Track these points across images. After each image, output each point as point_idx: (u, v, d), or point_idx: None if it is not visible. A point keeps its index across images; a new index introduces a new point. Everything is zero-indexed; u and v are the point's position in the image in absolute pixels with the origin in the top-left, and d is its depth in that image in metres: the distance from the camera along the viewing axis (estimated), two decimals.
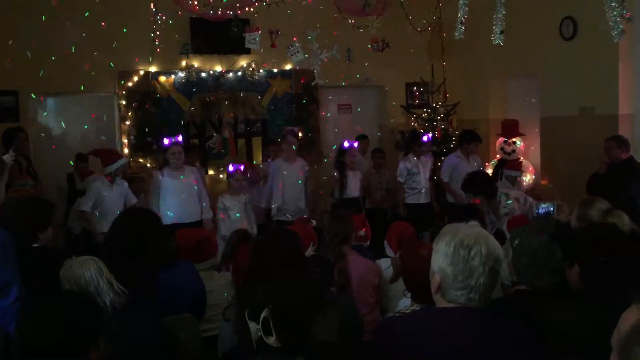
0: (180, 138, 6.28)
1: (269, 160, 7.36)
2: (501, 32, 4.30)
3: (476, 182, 5.37)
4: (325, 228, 4.18)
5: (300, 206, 6.67)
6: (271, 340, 1.70)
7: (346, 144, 6.94)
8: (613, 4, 3.82)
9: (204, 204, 6.25)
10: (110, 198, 5.78)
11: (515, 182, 6.83)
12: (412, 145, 7.31)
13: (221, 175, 8.22)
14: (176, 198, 6.08)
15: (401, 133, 8.81)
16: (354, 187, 6.93)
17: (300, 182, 6.71)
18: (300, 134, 7.22)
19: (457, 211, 4.76)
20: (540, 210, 3.20)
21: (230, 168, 6.34)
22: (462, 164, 7.11)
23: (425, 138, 7.32)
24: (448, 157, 7.47)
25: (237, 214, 6.13)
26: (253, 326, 1.73)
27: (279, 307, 1.74)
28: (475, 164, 7.22)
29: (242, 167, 6.34)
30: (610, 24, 3.87)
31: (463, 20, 4.26)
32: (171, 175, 6.11)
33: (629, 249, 2.33)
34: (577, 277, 2.37)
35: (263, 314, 1.70)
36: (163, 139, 6.27)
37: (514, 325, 1.92)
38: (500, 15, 4.44)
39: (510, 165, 7.16)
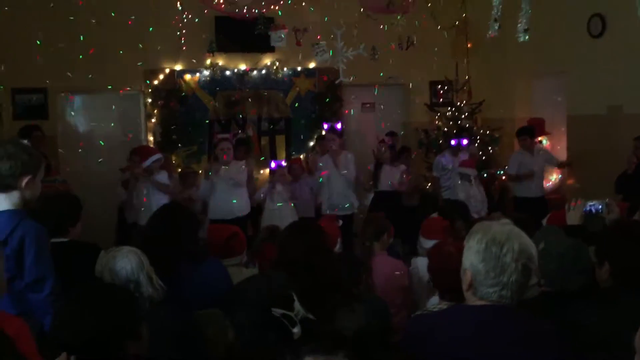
0: (229, 135, 6.46)
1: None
2: (526, 30, 4.26)
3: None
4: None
5: (345, 201, 6.82)
6: (296, 331, 1.71)
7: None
8: None
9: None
10: (146, 191, 6.04)
11: (470, 180, 6.83)
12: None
13: None
14: (223, 194, 6.23)
15: (425, 132, 8.78)
16: (389, 181, 7.02)
17: (343, 175, 6.84)
18: (340, 128, 7.36)
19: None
20: (588, 208, 3.10)
21: (272, 164, 6.63)
22: (526, 159, 7.17)
23: (453, 142, 7.49)
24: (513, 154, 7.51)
25: (280, 204, 6.37)
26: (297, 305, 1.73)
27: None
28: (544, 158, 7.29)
29: (283, 163, 6.54)
30: None
31: (497, 18, 4.23)
32: (219, 171, 6.23)
33: None
34: (607, 276, 2.34)
35: (300, 312, 1.71)
36: (215, 135, 6.46)
37: (544, 324, 1.91)
38: (525, 13, 4.40)
39: (463, 163, 7.11)
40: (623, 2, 4.39)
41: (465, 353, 1.79)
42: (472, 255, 1.85)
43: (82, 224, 3.63)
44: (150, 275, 2.50)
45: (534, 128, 7.40)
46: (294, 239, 2.92)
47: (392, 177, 7.03)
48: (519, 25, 4.09)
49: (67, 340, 1.91)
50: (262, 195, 6.48)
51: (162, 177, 6.23)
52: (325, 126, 7.37)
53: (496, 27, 4.82)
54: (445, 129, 8.51)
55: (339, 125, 7.32)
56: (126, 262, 2.48)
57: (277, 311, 1.90)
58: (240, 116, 8.38)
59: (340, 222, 4.65)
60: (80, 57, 7.07)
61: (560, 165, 7.49)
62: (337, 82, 6.52)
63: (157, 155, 6.30)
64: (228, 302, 2.74)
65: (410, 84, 9.06)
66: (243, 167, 6.56)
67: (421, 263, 3.89)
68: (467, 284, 1.87)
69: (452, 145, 7.44)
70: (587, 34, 7.08)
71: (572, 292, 2.44)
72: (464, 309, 1.93)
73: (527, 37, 4.12)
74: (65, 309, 2.01)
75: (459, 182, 6.93)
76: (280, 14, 7.00)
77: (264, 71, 8.43)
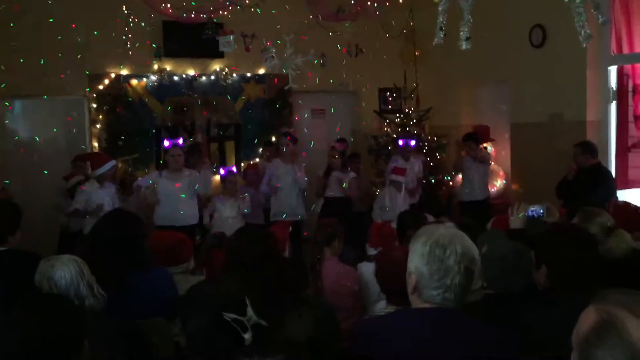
0: (180, 141, 6.39)
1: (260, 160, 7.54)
2: (467, 39, 4.36)
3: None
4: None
5: (295, 208, 6.86)
6: (248, 335, 1.70)
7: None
8: (579, 9, 3.91)
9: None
10: (99, 199, 5.83)
11: (400, 188, 6.95)
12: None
13: None
14: (171, 201, 6.10)
15: (374, 138, 8.87)
16: (335, 187, 7.12)
17: (294, 182, 6.86)
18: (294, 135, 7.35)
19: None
20: (530, 213, 3.17)
21: (222, 171, 6.42)
22: (472, 164, 7.33)
23: (400, 142, 7.64)
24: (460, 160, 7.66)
25: (229, 217, 6.21)
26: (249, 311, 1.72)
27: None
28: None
29: (234, 169, 6.40)
30: (577, 29, 3.95)
31: (442, 27, 4.30)
32: (168, 178, 6.12)
33: (594, 249, 2.36)
34: (544, 279, 2.39)
35: (252, 318, 1.70)
36: (164, 140, 6.34)
37: (488, 326, 1.95)
38: (466, 22, 4.50)
39: (394, 170, 7.25)
40: (562, 14, 4.54)
41: (410, 355, 1.80)
42: (417, 259, 1.87)
43: (22, 232, 3.52)
44: (91, 284, 2.43)
45: (478, 134, 7.58)
46: (243, 243, 2.90)
47: (339, 182, 7.11)
48: (461, 33, 4.17)
49: (7, 349, 1.83)
50: (208, 218, 6.29)
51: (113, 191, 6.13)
52: (281, 131, 7.37)
53: (441, 36, 4.89)
54: (394, 136, 8.62)
55: (292, 131, 7.34)
56: (65, 270, 2.40)
57: (229, 316, 1.88)
58: (190, 123, 8.28)
59: (290, 228, 4.64)
60: (21, 60, 6.85)
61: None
62: (286, 88, 6.52)
63: (112, 162, 6.18)
64: (179, 308, 2.69)
65: (361, 90, 9.15)
66: (195, 173, 6.43)
67: (366, 268, 3.94)
68: (412, 287, 1.90)
69: (400, 145, 7.57)
70: (529, 44, 7.30)
71: (514, 293, 2.50)
72: (408, 312, 1.95)
73: (468, 46, 4.21)
74: (6, 318, 1.92)
75: (388, 188, 7.01)
76: (229, 17, 6.95)
77: (213, 77, 8.36)
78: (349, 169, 7.47)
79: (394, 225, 4.40)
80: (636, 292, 1.44)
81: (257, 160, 8.47)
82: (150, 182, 6.18)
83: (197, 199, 6.39)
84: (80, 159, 6.72)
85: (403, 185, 6.95)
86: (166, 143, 6.29)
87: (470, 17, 4.11)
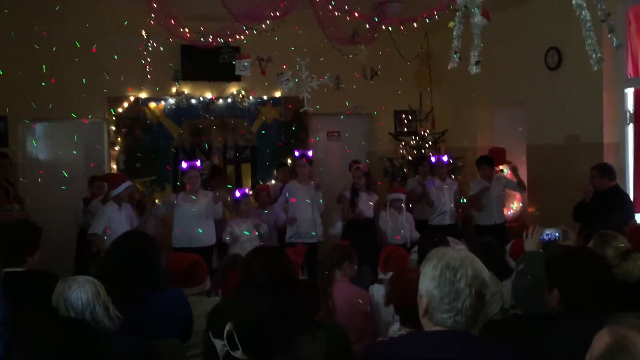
0: (198, 163, 6.47)
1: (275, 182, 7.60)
2: (477, 63, 4.40)
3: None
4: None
5: (311, 230, 6.79)
6: (238, 354, 1.70)
7: (296, 153, 7.19)
8: (590, 32, 3.92)
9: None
10: (118, 221, 5.88)
11: (400, 207, 6.89)
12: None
13: None
14: (189, 222, 6.14)
15: (390, 160, 8.89)
16: (366, 208, 7.00)
17: (312, 204, 6.82)
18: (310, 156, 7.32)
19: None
20: (545, 237, 3.15)
21: (237, 194, 6.46)
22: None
23: (433, 159, 7.68)
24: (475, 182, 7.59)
25: (247, 232, 6.28)
26: (218, 343, 1.74)
27: (243, 320, 1.74)
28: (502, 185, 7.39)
29: (248, 191, 6.43)
30: (589, 52, 3.96)
31: (457, 50, 4.35)
32: (185, 200, 6.17)
33: (607, 273, 2.34)
34: (556, 302, 2.36)
35: (227, 328, 1.71)
36: (181, 162, 6.45)
37: (500, 348, 1.94)
38: (477, 46, 4.54)
39: (393, 189, 7.22)
40: (577, 36, 4.55)
41: None
42: (428, 281, 1.87)
43: (41, 253, 3.57)
44: (107, 305, 2.45)
45: (493, 158, 7.57)
46: (258, 262, 2.90)
47: (368, 204, 7.03)
48: (471, 57, 4.21)
49: None
50: (227, 238, 6.31)
51: (135, 220, 6.21)
52: (297, 153, 7.35)
53: (457, 59, 4.94)
54: (410, 158, 8.62)
55: (310, 153, 7.32)
56: (82, 292, 2.43)
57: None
58: (206, 145, 8.37)
59: (306, 249, 4.66)
60: (43, 84, 7.00)
61: (520, 184, 7.44)
62: (301, 111, 6.57)
63: (128, 183, 6.22)
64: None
65: (375, 113, 9.18)
66: (211, 195, 6.46)
67: (377, 291, 3.94)
68: (423, 310, 1.90)
69: (433, 163, 7.57)
70: (545, 66, 7.30)
71: (540, 317, 2.46)
72: (419, 335, 1.95)
73: (478, 70, 4.25)
74: (23, 342, 1.93)
75: (388, 210, 6.94)
76: (245, 42, 7.05)
77: (229, 100, 8.46)
78: (373, 190, 7.40)
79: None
80: None
81: (273, 182, 8.52)
82: (175, 201, 6.22)
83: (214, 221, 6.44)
84: (99, 179, 6.83)
85: (402, 203, 6.92)
86: (184, 165, 6.34)
87: (480, 42, 4.14)
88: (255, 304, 1.87)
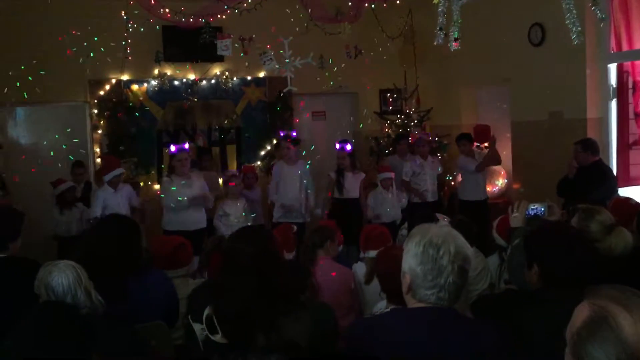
0: (187, 145, 6.43)
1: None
2: (456, 39, 4.39)
3: None
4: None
5: (299, 210, 6.78)
6: (217, 337, 1.70)
7: (337, 146, 7.10)
8: (570, 6, 3.92)
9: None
10: (115, 203, 6.01)
11: (389, 186, 6.92)
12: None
13: None
14: (181, 205, 6.11)
15: (375, 139, 8.88)
16: (352, 188, 7.00)
17: (298, 184, 6.80)
18: (295, 136, 7.29)
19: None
20: (530, 212, 3.15)
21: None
22: (469, 162, 7.32)
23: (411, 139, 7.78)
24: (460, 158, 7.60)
25: (237, 220, 6.26)
26: (197, 327, 1.73)
27: (221, 303, 1.73)
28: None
29: (237, 172, 6.42)
30: (569, 26, 3.97)
31: (442, 27, 4.33)
32: (176, 183, 6.12)
33: (587, 247, 2.34)
34: (536, 278, 2.36)
35: (205, 312, 1.70)
36: (169, 145, 6.44)
37: (483, 324, 1.94)
38: (456, 22, 4.53)
39: (381, 169, 7.23)
40: (561, 11, 4.55)
41: (404, 356, 1.80)
42: (411, 258, 1.87)
43: (23, 239, 3.53)
44: (89, 290, 2.43)
45: (472, 134, 7.62)
46: (241, 243, 2.87)
47: (354, 183, 7.03)
48: (450, 34, 4.20)
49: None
50: (219, 224, 6.33)
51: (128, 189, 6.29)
52: (281, 134, 7.31)
53: (442, 36, 4.93)
54: (393, 137, 8.62)
55: (294, 134, 7.27)
56: (63, 277, 2.41)
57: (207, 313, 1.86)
58: (190, 125, 8.31)
59: (295, 228, 4.65)
60: (22, 67, 6.88)
61: (492, 157, 7.42)
62: (285, 91, 6.52)
63: (119, 170, 6.22)
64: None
65: (360, 92, 9.15)
66: (201, 176, 6.46)
67: (359, 268, 3.97)
68: (407, 287, 1.90)
69: (413, 141, 7.63)
70: (529, 42, 7.29)
71: (531, 292, 2.44)
72: (402, 312, 1.95)
73: (458, 47, 4.25)
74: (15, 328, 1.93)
75: (380, 189, 6.96)
76: (226, 21, 6.96)
77: (213, 81, 8.38)
78: (358, 168, 7.38)
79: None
80: (630, 288, 1.44)
81: (259, 163, 8.49)
82: (174, 188, 6.16)
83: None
84: (79, 165, 6.84)
85: (393, 182, 6.95)
86: (172, 148, 6.27)
87: (459, 18, 4.14)
88: (236, 285, 1.85)
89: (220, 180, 7.31)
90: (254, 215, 6.55)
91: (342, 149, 7.08)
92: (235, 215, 6.32)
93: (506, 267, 2.67)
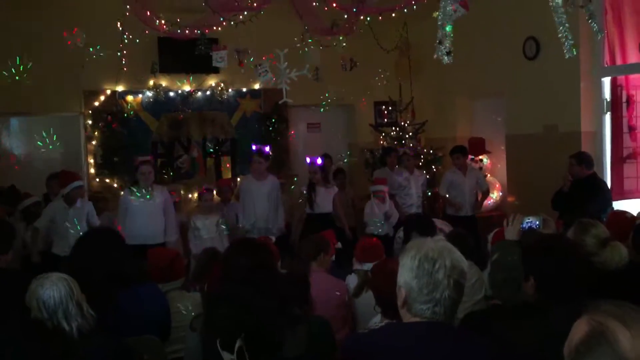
0: (150, 158, 6.29)
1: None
2: (448, 53, 4.42)
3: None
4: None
5: (266, 225, 6.54)
6: None
7: (307, 160, 7.06)
8: (562, 19, 3.95)
9: (169, 225, 6.14)
10: (63, 219, 5.65)
11: (383, 199, 6.85)
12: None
13: (190, 195, 8.18)
14: (142, 219, 5.99)
15: (370, 152, 8.88)
16: (324, 203, 6.93)
17: (268, 200, 6.59)
18: (268, 151, 7.15)
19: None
20: (525, 225, 3.15)
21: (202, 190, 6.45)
22: (457, 178, 7.22)
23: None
24: (445, 174, 7.56)
25: (208, 234, 6.17)
26: (227, 356, 1.71)
27: (251, 334, 1.72)
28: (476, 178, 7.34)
29: (211, 186, 6.36)
30: (562, 40, 3.99)
31: (441, 40, 4.35)
32: (140, 196, 6.03)
33: (582, 261, 2.34)
34: (533, 290, 2.36)
35: (238, 344, 1.68)
36: (134, 159, 6.27)
37: (477, 340, 1.93)
38: (448, 37, 4.56)
39: (376, 181, 7.22)
40: (555, 25, 4.57)
41: None
42: (406, 273, 1.86)
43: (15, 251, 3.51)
44: (81, 303, 2.40)
45: (467, 147, 7.59)
46: (239, 255, 2.85)
47: (327, 198, 6.98)
48: (442, 48, 4.21)
49: None
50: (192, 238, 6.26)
51: (88, 206, 5.99)
52: (254, 147, 7.03)
53: (442, 49, 4.95)
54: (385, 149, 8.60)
55: (267, 148, 7.06)
56: (55, 290, 2.37)
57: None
58: (185, 136, 8.29)
59: (273, 238, 4.63)
60: (17, 78, 6.85)
61: (484, 194, 7.48)
62: (280, 102, 6.50)
63: (78, 183, 5.95)
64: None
65: (357, 104, 9.15)
66: (165, 190, 6.32)
67: (352, 281, 3.94)
68: (402, 301, 1.88)
69: (399, 155, 7.58)
70: (523, 56, 7.33)
71: (518, 307, 2.45)
72: (397, 327, 1.93)
73: (450, 60, 4.26)
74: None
75: (374, 202, 6.89)
76: (222, 33, 6.97)
77: (208, 92, 8.38)
78: (332, 183, 7.29)
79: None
80: (628, 304, 1.43)
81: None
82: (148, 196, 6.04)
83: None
84: (52, 177, 6.54)
85: (387, 195, 6.90)
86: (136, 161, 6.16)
87: (451, 31, 4.17)
88: (260, 308, 1.83)
89: (195, 195, 7.23)
90: (227, 233, 6.33)
91: (313, 163, 7.02)
92: (205, 229, 6.21)
93: (489, 283, 2.65)
